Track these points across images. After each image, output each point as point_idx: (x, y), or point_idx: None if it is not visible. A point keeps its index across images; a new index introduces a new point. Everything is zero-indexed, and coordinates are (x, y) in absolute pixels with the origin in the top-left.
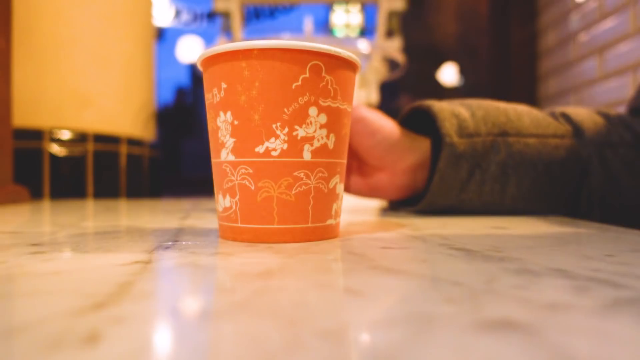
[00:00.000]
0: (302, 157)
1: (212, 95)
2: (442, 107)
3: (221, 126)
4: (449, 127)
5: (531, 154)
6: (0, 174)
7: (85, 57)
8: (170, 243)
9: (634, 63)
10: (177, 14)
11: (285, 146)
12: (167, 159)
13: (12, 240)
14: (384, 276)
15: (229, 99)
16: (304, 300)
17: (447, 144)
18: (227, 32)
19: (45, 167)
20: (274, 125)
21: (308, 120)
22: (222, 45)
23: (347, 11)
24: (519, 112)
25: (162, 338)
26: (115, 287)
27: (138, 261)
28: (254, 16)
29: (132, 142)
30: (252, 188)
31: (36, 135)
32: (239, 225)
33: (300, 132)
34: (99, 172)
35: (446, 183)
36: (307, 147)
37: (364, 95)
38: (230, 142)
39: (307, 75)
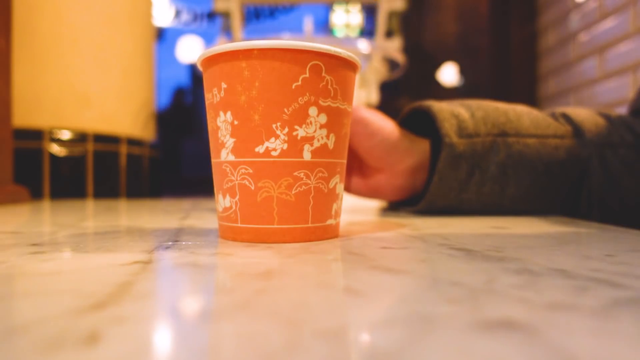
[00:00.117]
0: (302, 157)
1: (212, 95)
2: (441, 108)
3: (221, 126)
4: (448, 127)
5: (531, 155)
6: (0, 174)
7: (85, 57)
8: (170, 243)
9: (634, 63)
10: (177, 14)
11: (285, 146)
12: (167, 159)
13: (12, 240)
14: (384, 276)
15: (229, 99)
16: (304, 300)
17: (447, 144)
18: (227, 32)
19: (45, 167)
20: (274, 125)
21: (308, 120)
22: (222, 45)
23: (347, 11)
24: (519, 113)
25: (162, 338)
26: (115, 287)
27: (138, 261)
28: (254, 16)
29: (132, 142)
30: (252, 188)
31: (36, 135)
32: (239, 225)
33: (300, 132)
34: (99, 172)
35: (445, 183)
36: (307, 147)
37: (364, 95)
38: (230, 142)
39: (307, 75)
